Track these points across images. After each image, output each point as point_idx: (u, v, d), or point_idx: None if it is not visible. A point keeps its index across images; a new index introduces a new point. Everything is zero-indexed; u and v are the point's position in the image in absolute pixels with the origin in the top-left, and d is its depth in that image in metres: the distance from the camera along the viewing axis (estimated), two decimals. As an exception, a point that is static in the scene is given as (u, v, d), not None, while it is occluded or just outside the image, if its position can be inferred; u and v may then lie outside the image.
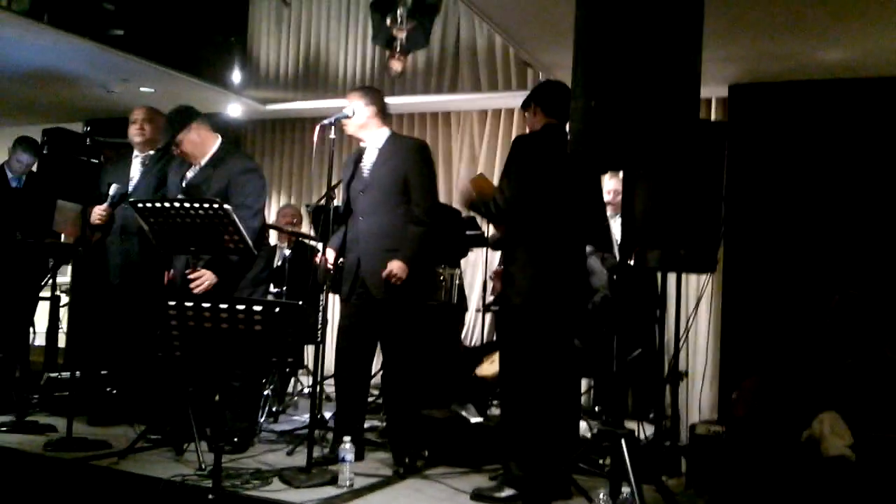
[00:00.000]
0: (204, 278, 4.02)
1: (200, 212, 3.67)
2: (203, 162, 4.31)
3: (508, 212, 3.56)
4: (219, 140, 4.39)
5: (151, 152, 4.81)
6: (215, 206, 3.64)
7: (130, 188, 4.72)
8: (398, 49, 6.35)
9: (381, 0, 6.43)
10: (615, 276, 4.64)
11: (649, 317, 5.01)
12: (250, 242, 3.78)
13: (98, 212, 4.57)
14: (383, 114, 4.20)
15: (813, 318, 4.21)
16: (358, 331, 4.07)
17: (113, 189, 4.57)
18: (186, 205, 3.69)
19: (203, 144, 4.31)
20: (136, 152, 4.85)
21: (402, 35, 6.31)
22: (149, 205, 3.81)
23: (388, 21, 6.29)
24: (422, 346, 4.14)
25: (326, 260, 4.03)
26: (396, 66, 6.42)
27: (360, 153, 4.20)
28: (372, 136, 4.16)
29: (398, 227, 4.02)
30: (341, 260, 4.18)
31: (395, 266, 3.91)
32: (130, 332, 4.55)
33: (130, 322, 4.53)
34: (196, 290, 3.97)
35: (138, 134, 4.80)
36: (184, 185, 4.32)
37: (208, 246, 3.82)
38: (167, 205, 3.75)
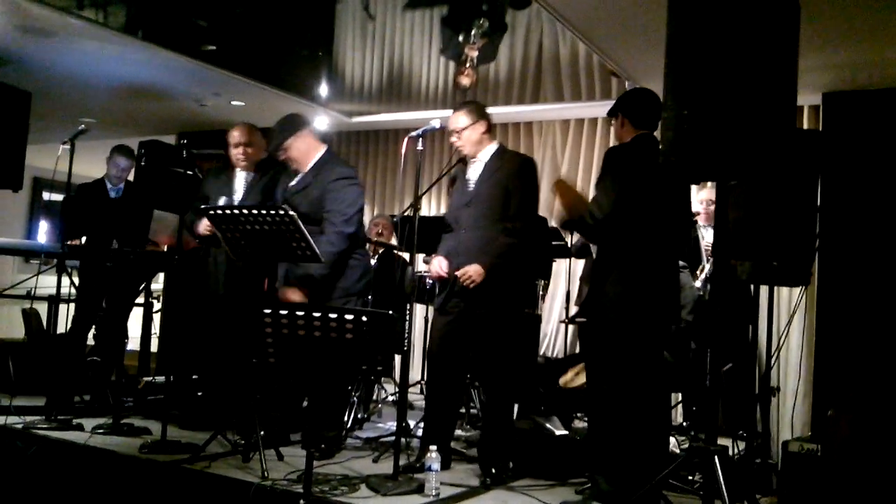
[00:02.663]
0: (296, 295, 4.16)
1: (268, 218, 3.75)
2: (306, 170, 4.42)
3: (606, 224, 3.49)
4: (324, 149, 4.48)
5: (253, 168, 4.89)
6: (281, 212, 3.72)
7: (236, 202, 4.78)
8: (468, 64, 6.38)
9: (453, 16, 6.49)
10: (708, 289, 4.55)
11: (741, 331, 4.89)
12: (316, 249, 3.83)
13: (207, 223, 4.59)
14: (491, 128, 4.18)
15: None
16: (452, 341, 4.04)
17: (222, 202, 4.65)
18: (254, 212, 3.77)
19: (308, 153, 4.42)
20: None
21: (474, 53, 6.35)
22: (219, 212, 3.92)
23: (461, 38, 6.33)
24: (515, 358, 4.09)
25: (441, 269, 4.03)
26: (465, 81, 6.46)
27: (465, 166, 4.18)
28: (482, 152, 4.13)
29: (497, 240, 3.97)
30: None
31: (472, 269, 3.87)
32: (228, 341, 4.61)
33: (231, 331, 4.58)
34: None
35: (242, 158, 4.83)
36: (286, 194, 4.43)
37: (278, 252, 3.90)
38: (236, 212, 3.84)
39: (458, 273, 3.91)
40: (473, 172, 4.12)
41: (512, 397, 4.13)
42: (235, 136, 4.86)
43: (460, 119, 4.08)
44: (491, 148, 4.14)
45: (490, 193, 4.02)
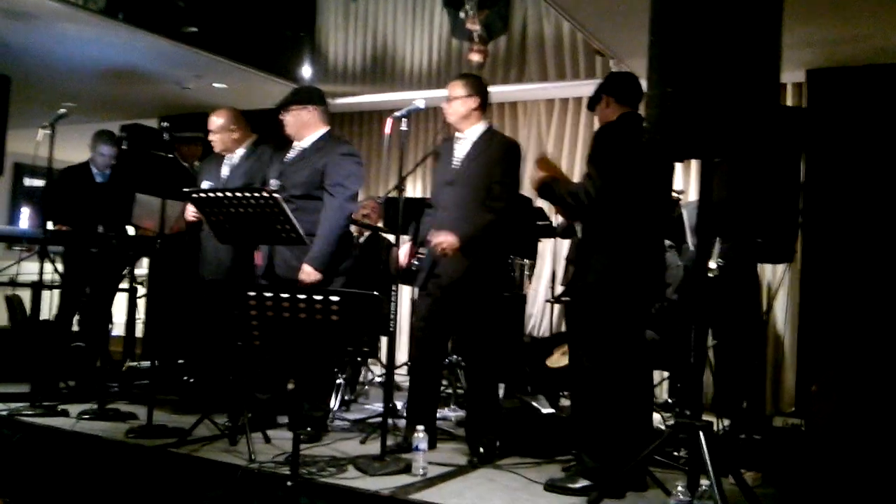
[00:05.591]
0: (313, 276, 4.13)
1: (252, 201, 3.74)
2: (304, 144, 4.40)
3: (599, 201, 3.44)
4: (326, 129, 4.47)
5: (242, 150, 4.84)
6: (265, 195, 3.70)
7: (220, 185, 4.72)
8: (477, 40, 6.31)
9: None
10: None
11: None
12: (301, 231, 3.82)
13: (193, 209, 4.57)
14: (484, 106, 4.14)
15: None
16: (434, 321, 4.05)
17: (205, 186, 4.62)
18: (238, 194, 3.76)
19: (307, 126, 4.40)
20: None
21: (476, 27, 6.28)
22: (202, 195, 3.90)
23: (462, 14, 6.28)
24: (496, 337, 4.10)
25: (397, 257, 4.01)
26: (476, 57, 6.39)
27: (451, 143, 4.15)
28: (469, 129, 4.11)
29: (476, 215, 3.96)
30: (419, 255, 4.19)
31: (448, 237, 3.86)
32: (215, 325, 4.57)
33: (218, 315, 4.55)
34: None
35: (218, 145, 4.82)
36: (282, 166, 4.40)
37: (263, 235, 3.89)
38: (219, 195, 3.82)
39: (431, 241, 3.90)
40: (460, 150, 4.09)
41: (496, 376, 4.13)
42: (210, 123, 4.83)
43: (455, 89, 4.07)
44: (479, 127, 4.11)
45: (474, 175, 4.00)
